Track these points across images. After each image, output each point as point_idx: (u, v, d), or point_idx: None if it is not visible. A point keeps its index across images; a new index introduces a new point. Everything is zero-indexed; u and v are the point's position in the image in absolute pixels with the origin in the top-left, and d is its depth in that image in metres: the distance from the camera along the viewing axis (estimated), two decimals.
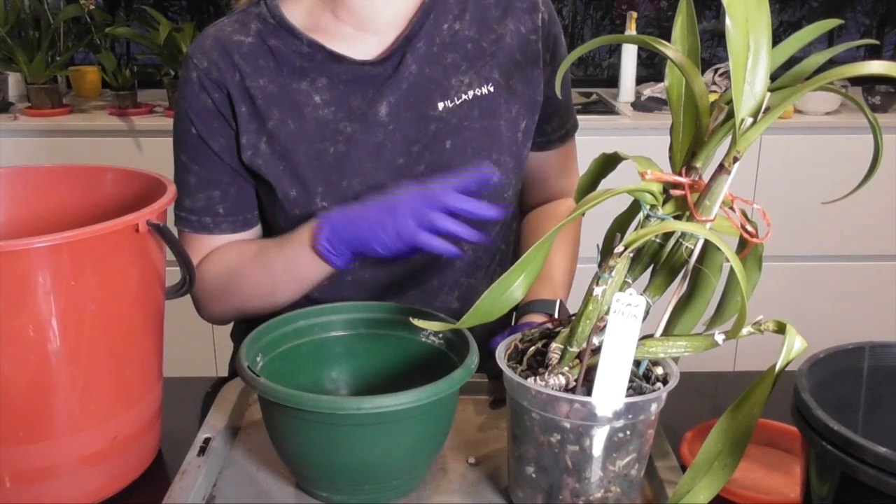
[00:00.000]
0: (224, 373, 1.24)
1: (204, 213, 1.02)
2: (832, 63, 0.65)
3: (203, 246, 1.03)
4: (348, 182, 0.99)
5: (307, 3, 1.02)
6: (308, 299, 1.06)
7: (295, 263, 0.96)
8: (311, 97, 0.99)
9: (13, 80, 2.51)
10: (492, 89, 1.02)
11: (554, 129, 1.12)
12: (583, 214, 0.70)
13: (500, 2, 1.04)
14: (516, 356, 0.77)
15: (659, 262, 0.74)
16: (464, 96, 1.01)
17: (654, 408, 0.71)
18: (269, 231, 1.07)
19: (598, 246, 0.77)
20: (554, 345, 0.74)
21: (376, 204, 0.91)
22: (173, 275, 0.85)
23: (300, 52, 1.00)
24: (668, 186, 0.72)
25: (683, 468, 0.81)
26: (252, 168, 1.00)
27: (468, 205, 0.88)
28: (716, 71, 2.44)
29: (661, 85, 2.47)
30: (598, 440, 0.69)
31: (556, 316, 0.97)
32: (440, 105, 1.01)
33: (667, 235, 0.73)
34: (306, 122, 0.99)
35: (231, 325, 1.21)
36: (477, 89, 1.02)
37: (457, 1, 1.04)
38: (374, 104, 1.00)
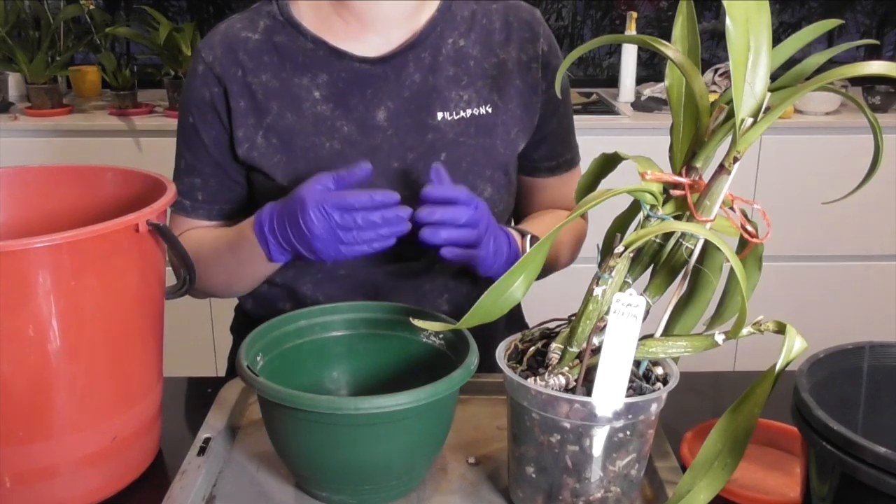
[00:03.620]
0: (224, 373, 1.24)
1: (185, 196, 1.08)
2: (832, 63, 0.65)
3: (179, 225, 1.09)
4: None
5: (315, 2, 1.04)
6: (298, 295, 1.07)
7: (243, 256, 0.98)
8: (311, 92, 1.02)
9: (13, 80, 2.51)
10: (490, 110, 1.04)
11: (542, 157, 1.12)
12: (583, 214, 0.70)
13: (503, 28, 1.06)
14: (516, 356, 0.77)
15: (659, 263, 0.74)
16: (462, 113, 1.03)
17: (654, 408, 0.71)
18: None
19: (598, 246, 0.77)
20: (554, 345, 0.74)
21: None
22: (173, 275, 0.85)
23: (304, 49, 1.02)
24: (668, 186, 0.72)
25: (683, 468, 0.81)
26: (248, 162, 1.03)
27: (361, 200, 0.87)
28: (716, 71, 2.44)
29: (661, 85, 2.47)
30: (598, 440, 0.69)
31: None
32: (439, 115, 1.02)
33: (667, 235, 0.73)
34: (304, 116, 1.01)
35: (231, 318, 1.22)
36: (476, 109, 1.03)
37: (464, 19, 1.05)
38: (372, 108, 1.01)
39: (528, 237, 1.02)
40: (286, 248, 0.93)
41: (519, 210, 1.18)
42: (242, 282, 1.04)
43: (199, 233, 1.07)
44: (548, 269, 1.11)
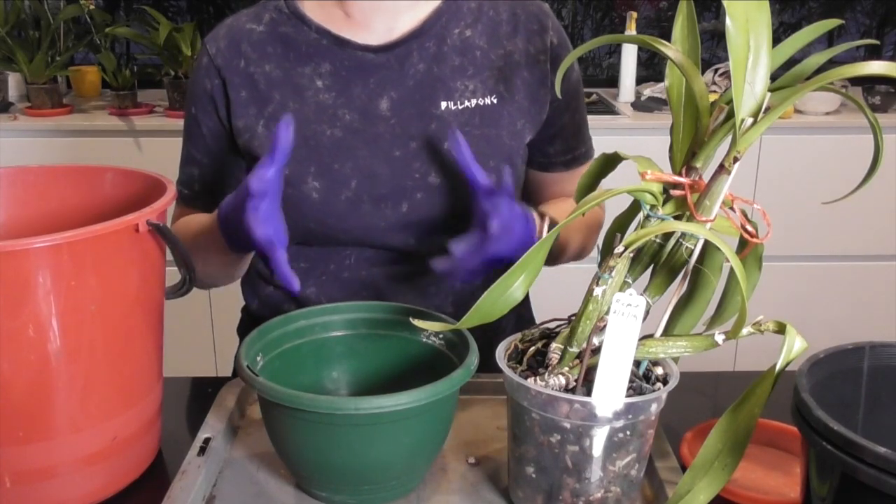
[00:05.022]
0: (224, 373, 1.24)
1: (184, 185, 1.11)
2: (832, 63, 0.65)
3: (178, 214, 1.12)
4: (341, 165, 1.01)
5: None
6: (301, 296, 1.07)
7: (210, 242, 0.97)
8: (314, 81, 1.02)
9: (13, 80, 2.51)
10: (495, 101, 1.04)
11: (557, 152, 1.11)
12: (583, 215, 0.70)
13: (510, 19, 1.06)
14: (516, 356, 0.77)
15: (659, 263, 0.74)
16: (467, 103, 1.03)
17: (654, 408, 0.71)
18: None
19: (598, 246, 0.77)
20: (554, 345, 0.74)
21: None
22: (173, 275, 0.85)
23: (308, 38, 1.03)
24: (668, 186, 0.72)
25: (683, 468, 0.81)
26: (250, 152, 1.04)
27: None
28: (716, 71, 2.44)
29: (661, 85, 2.47)
30: (598, 440, 0.69)
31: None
32: (443, 105, 1.02)
33: (667, 235, 0.73)
34: (306, 105, 1.02)
35: (236, 319, 1.23)
36: (481, 99, 1.03)
37: (470, 10, 1.05)
38: (375, 97, 1.02)
39: (547, 220, 0.99)
40: (235, 236, 0.91)
41: (530, 204, 1.17)
42: (214, 268, 1.03)
43: (187, 218, 1.09)
44: (556, 256, 1.09)
